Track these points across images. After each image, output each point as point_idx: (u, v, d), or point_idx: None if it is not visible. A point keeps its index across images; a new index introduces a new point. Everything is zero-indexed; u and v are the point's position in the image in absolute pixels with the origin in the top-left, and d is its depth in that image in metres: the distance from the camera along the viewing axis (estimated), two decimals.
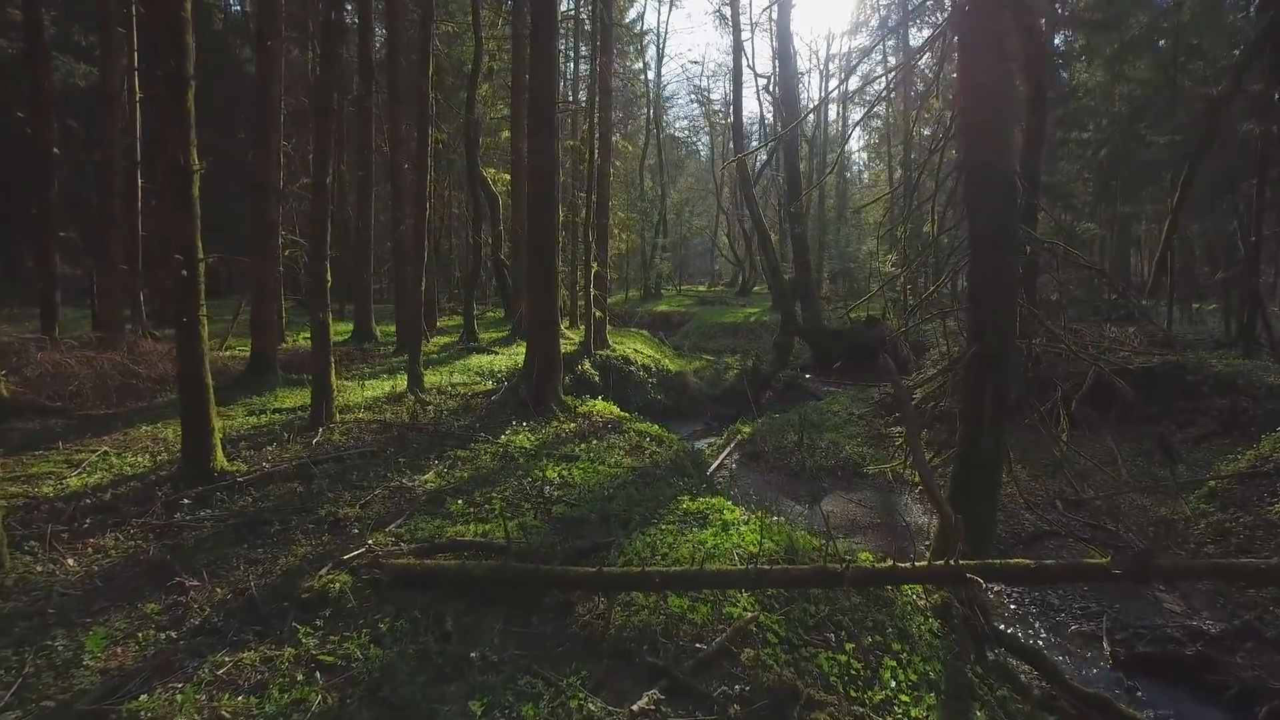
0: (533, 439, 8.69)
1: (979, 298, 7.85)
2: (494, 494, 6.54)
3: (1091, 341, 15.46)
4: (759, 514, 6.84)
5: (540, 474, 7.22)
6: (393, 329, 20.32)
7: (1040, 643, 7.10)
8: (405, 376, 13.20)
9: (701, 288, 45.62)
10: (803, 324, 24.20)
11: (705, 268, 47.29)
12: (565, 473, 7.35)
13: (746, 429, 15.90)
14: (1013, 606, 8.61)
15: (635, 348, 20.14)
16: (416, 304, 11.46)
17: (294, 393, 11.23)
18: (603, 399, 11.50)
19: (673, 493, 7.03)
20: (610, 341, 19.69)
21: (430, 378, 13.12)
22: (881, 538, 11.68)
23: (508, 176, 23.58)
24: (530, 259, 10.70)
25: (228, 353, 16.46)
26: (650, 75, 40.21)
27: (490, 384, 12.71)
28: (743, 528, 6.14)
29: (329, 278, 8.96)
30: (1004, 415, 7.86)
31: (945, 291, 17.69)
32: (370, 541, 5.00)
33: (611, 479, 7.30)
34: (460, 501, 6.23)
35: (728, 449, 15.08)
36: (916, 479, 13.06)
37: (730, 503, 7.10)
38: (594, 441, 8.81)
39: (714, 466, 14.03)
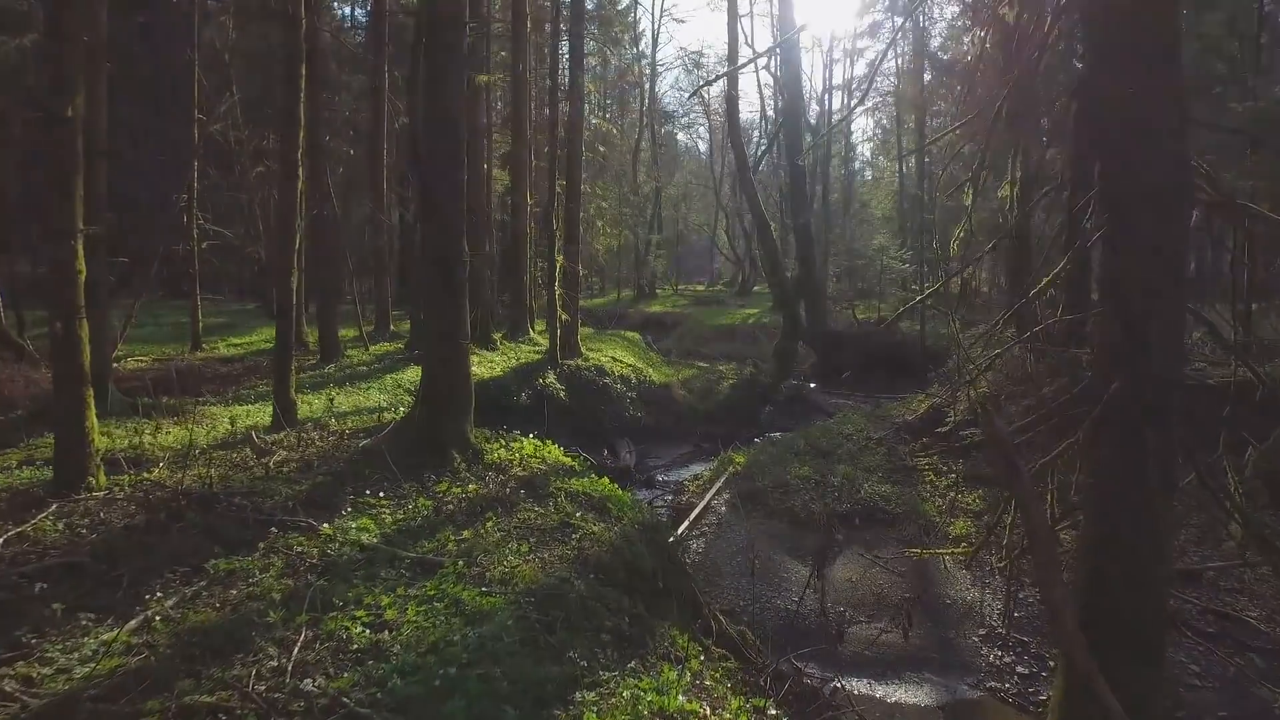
0: (389, 521, 5.23)
1: (1124, 294, 4.36)
2: (203, 689, 3.10)
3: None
4: None
5: (345, 618, 3.78)
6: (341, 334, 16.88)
7: None
8: (299, 400, 9.83)
9: (700, 287, 41.93)
10: (807, 327, 20.65)
11: (704, 267, 43.72)
12: (394, 611, 3.89)
13: (740, 458, 12.41)
14: None
15: (613, 355, 16.66)
16: (287, 307, 8.00)
17: (120, 428, 7.80)
18: (535, 435, 7.98)
19: (580, 671, 3.54)
20: (584, 349, 16.23)
21: (324, 401, 9.72)
22: (918, 621, 8.18)
23: (499, 173, 20.19)
24: (426, 243, 7.23)
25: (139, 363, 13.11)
26: (645, 64, 36.63)
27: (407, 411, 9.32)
28: None
29: (83, 267, 5.53)
30: (1171, 495, 4.37)
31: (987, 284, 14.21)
32: None
33: (477, 621, 3.84)
34: None
35: (717, 485, 11.63)
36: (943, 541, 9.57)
37: (701, 705, 3.60)
38: (489, 523, 5.34)
39: (698, 510, 10.60)
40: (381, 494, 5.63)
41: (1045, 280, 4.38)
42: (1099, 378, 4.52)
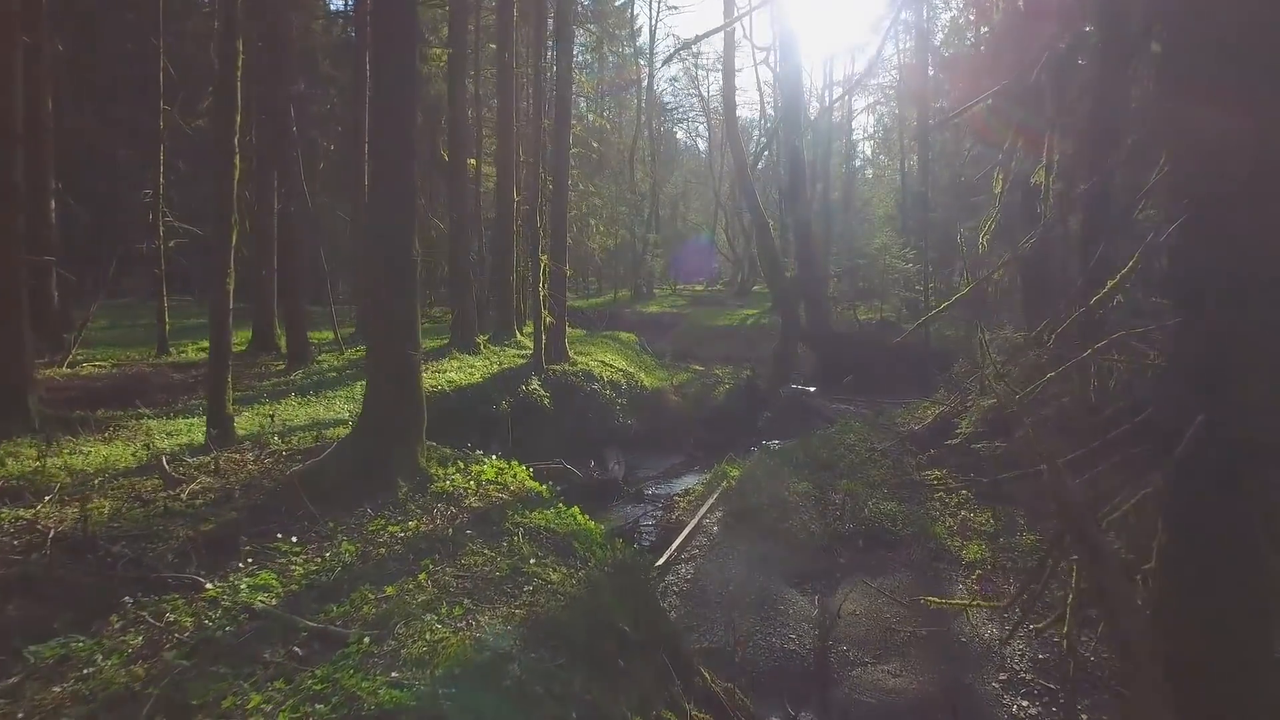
0: (299, 574, 4.25)
1: (1212, 301, 3.35)
2: None
3: None
4: None
5: None
6: (317, 337, 15.94)
7: None
8: (252, 412, 8.91)
9: (699, 287, 40.88)
10: (807, 328, 19.65)
11: (704, 267, 42.69)
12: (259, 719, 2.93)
13: (735, 471, 11.45)
14: None
15: (603, 359, 15.67)
16: (222, 312, 7.04)
17: (31, 449, 6.81)
18: (501, 456, 6.98)
19: None
20: (573, 352, 15.25)
21: (278, 412, 8.78)
22: (931, 663, 7.20)
23: (490, 170, 19.22)
24: (371, 239, 6.25)
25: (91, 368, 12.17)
26: (642, 61, 35.55)
27: None
28: None
29: None
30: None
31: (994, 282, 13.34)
32: None
33: None
34: None
35: (709, 502, 10.66)
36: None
37: None
38: (423, 574, 4.36)
39: (687, 531, 9.62)
40: (295, 537, 4.64)
41: (1112, 283, 3.38)
42: (1171, 405, 3.53)
